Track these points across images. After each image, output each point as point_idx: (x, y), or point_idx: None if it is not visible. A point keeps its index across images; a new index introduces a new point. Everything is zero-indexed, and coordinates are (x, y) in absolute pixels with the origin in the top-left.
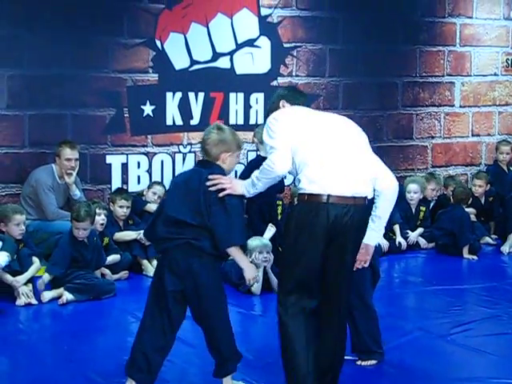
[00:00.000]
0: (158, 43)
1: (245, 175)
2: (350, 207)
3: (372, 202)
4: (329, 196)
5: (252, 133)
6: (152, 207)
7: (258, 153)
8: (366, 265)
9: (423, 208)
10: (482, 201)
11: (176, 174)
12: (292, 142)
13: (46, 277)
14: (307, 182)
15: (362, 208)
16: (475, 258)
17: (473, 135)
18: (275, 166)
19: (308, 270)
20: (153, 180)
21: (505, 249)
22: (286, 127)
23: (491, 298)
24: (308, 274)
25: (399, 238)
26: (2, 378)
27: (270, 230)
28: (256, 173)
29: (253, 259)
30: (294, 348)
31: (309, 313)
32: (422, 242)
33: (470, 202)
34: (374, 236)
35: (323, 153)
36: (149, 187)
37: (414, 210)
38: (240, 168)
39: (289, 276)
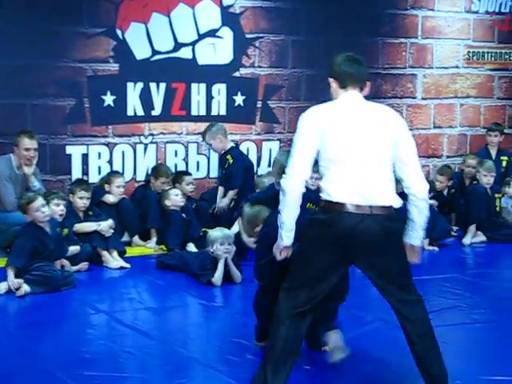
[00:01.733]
0: (119, 33)
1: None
2: (365, 217)
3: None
4: (343, 204)
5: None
6: (110, 198)
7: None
8: (419, 262)
9: None
10: (445, 192)
11: (137, 164)
12: (315, 146)
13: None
14: (326, 188)
15: (383, 217)
16: (436, 249)
17: (434, 127)
18: (287, 189)
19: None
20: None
21: (466, 240)
22: (310, 128)
23: (452, 288)
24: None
25: None
26: None
27: (238, 224)
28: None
29: (214, 250)
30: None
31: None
32: None
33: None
34: (413, 236)
35: (344, 158)
36: (106, 178)
37: None
38: None
39: (296, 277)
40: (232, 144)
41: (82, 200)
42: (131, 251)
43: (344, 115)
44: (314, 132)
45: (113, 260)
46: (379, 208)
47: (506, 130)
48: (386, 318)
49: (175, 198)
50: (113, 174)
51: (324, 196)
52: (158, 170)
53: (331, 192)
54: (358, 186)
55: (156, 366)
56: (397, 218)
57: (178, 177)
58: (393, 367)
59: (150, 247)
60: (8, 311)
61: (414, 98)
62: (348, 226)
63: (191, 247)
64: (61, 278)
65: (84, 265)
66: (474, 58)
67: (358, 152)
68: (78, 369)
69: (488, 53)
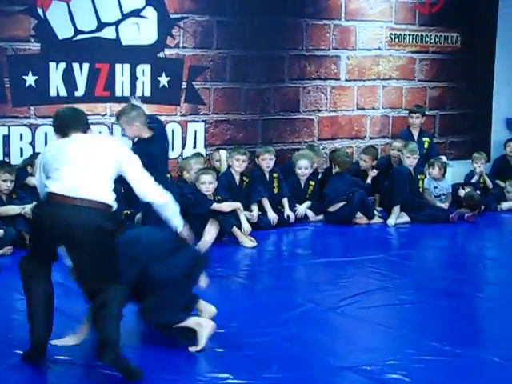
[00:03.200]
0: (40, 11)
1: None
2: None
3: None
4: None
5: None
6: (34, 181)
7: None
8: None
9: (312, 182)
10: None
11: None
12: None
13: None
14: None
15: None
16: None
17: (358, 109)
18: None
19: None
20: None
21: (391, 222)
22: None
23: (378, 269)
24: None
25: (288, 211)
26: None
27: None
28: None
29: None
30: None
31: None
32: (311, 214)
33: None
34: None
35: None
36: (29, 161)
37: (303, 185)
38: None
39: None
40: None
41: (5, 183)
42: None
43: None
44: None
45: None
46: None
47: (427, 112)
48: (315, 300)
49: None
50: (35, 155)
51: None
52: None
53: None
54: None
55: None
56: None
57: None
58: (326, 348)
59: None
60: None
61: (338, 79)
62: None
63: None
64: None
65: (8, 249)
66: (396, 40)
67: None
68: (4, 356)
69: (409, 35)
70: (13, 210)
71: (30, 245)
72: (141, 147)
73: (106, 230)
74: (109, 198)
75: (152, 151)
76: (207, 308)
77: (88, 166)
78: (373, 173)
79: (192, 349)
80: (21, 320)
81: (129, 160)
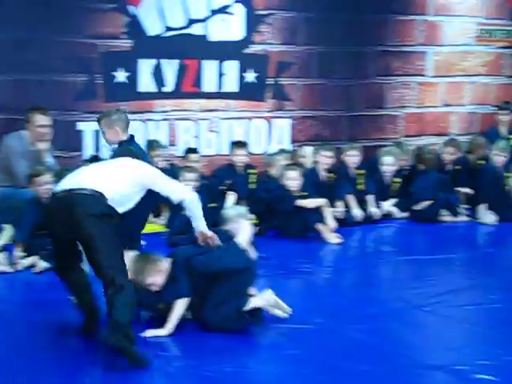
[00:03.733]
0: (131, 9)
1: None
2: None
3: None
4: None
5: (224, 101)
6: None
7: None
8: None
9: (397, 179)
10: (450, 168)
11: (149, 139)
12: None
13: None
14: None
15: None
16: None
17: (444, 105)
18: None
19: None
20: None
21: (479, 219)
22: None
23: (466, 267)
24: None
25: (372, 208)
26: None
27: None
28: None
29: (229, 229)
30: None
31: None
32: (395, 211)
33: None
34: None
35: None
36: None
37: (387, 181)
38: None
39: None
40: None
41: None
42: None
43: None
44: None
45: None
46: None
47: None
48: (400, 298)
49: (187, 175)
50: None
51: None
52: (148, 145)
53: None
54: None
55: None
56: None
57: (185, 154)
58: (413, 346)
59: (161, 224)
60: (25, 287)
61: (424, 75)
62: None
63: None
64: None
65: None
66: (485, 35)
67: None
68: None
69: (499, 30)
70: None
71: (51, 244)
72: (122, 147)
73: (94, 212)
74: (106, 191)
75: (133, 149)
76: (279, 304)
77: (100, 170)
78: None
79: (286, 309)
80: None
81: (151, 178)
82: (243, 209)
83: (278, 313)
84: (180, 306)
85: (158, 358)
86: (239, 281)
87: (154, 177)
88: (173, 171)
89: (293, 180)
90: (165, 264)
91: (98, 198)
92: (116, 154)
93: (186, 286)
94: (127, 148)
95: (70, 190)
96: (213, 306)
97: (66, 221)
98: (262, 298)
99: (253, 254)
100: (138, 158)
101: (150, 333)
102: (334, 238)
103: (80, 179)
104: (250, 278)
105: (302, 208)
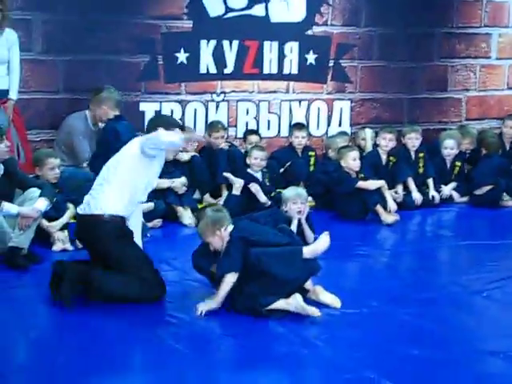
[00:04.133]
0: None
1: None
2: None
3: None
4: None
5: (285, 82)
6: (184, 156)
7: None
8: None
9: (458, 163)
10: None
11: (208, 122)
12: None
13: None
14: None
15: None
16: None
17: (508, 88)
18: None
19: None
20: None
21: None
22: None
23: None
24: None
25: (432, 192)
26: (45, 324)
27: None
28: None
29: (287, 209)
30: None
31: None
32: (456, 195)
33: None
34: None
35: None
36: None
37: (448, 165)
38: None
39: None
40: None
41: None
42: None
43: None
44: None
45: (187, 217)
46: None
47: None
48: (459, 282)
49: (257, 153)
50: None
51: None
52: (209, 126)
53: None
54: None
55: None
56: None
57: (245, 136)
58: (471, 332)
59: (220, 204)
60: None
61: (488, 57)
62: None
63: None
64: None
65: (158, 221)
66: None
67: None
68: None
69: None
70: (162, 183)
71: None
72: (108, 126)
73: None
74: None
75: (118, 129)
76: (328, 297)
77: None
78: None
79: (313, 312)
80: (171, 291)
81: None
82: (301, 190)
83: (330, 302)
84: (229, 280)
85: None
86: (281, 285)
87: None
88: (233, 152)
89: (353, 161)
90: (224, 233)
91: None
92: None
93: (238, 262)
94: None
95: (84, 216)
96: (242, 295)
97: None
98: (287, 302)
99: (312, 252)
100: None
101: (201, 307)
102: (390, 217)
103: (93, 198)
104: (293, 288)
105: (362, 190)
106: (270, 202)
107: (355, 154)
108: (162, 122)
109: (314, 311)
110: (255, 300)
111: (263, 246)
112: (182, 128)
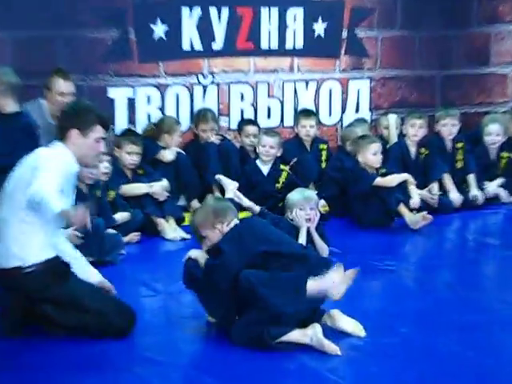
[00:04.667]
0: None
1: None
2: None
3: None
4: None
5: (287, 59)
6: (167, 155)
7: None
8: None
9: (505, 154)
10: None
11: (195, 110)
12: None
13: None
14: None
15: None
16: None
17: None
18: None
19: None
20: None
21: None
22: None
23: None
24: None
25: (474, 191)
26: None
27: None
28: None
29: (293, 217)
30: None
31: None
32: (504, 194)
33: None
34: None
35: None
36: (157, 125)
37: (493, 156)
38: None
39: None
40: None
41: (130, 156)
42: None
43: None
44: None
45: (170, 230)
46: None
47: None
48: (507, 301)
49: (267, 139)
50: (167, 121)
51: None
52: (196, 116)
53: None
54: None
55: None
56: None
57: (240, 126)
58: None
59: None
60: None
61: None
62: None
63: None
64: (109, 249)
65: (135, 235)
66: None
67: None
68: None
69: None
70: (139, 188)
71: None
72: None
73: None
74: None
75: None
76: (348, 323)
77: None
78: None
79: (333, 351)
80: (152, 322)
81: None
82: (311, 193)
83: (351, 330)
84: None
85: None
86: (281, 317)
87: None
88: (225, 147)
89: (372, 156)
90: (225, 228)
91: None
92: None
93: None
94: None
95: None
96: (243, 323)
97: None
98: (304, 334)
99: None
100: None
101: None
102: (418, 218)
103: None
104: (297, 321)
105: (382, 189)
106: (259, 209)
107: (376, 146)
108: (76, 119)
109: (333, 349)
110: (262, 329)
111: (273, 257)
112: (106, 125)
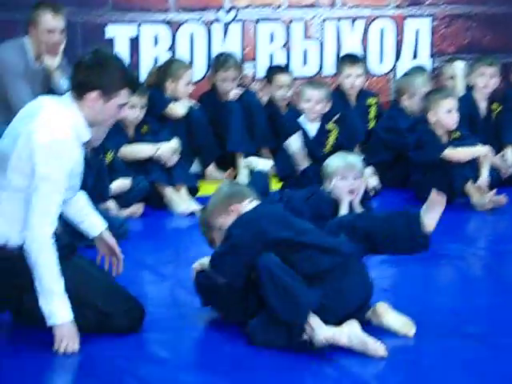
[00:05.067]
0: None
1: None
2: None
3: None
4: None
5: None
6: (178, 108)
7: None
8: None
9: None
10: None
11: (213, 52)
12: None
13: None
14: None
15: None
16: None
17: None
18: None
19: None
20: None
21: None
22: None
23: None
24: None
25: None
26: None
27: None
28: None
29: (332, 188)
30: None
31: None
32: None
33: None
34: None
35: None
36: (162, 69)
37: None
38: None
39: None
40: None
41: (133, 110)
42: (206, 188)
43: None
44: None
45: (179, 200)
46: None
47: None
48: None
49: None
50: (175, 64)
51: None
52: (215, 62)
53: None
54: None
55: None
56: None
57: (268, 75)
58: None
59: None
60: None
61: None
62: None
63: None
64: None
65: (137, 208)
66: None
67: None
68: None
69: None
70: (142, 150)
71: None
72: None
73: None
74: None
75: None
76: (396, 319)
77: None
78: None
79: (379, 351)
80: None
81: None
82: (355, 158)
83: (399, 328)
84: None
85: None
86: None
87: None
88: (248, 101)
89: (447, 113)
90: (240, 208)
91: None
92: None
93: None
94: None
95: None
96: (264, 320)
97: None
98: (340, 332)
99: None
100: None
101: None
102: (487, 199)
103: None
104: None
105: (449, 161)
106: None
107: (451, 102)
108: (101, 77)
109: (377, 348)
110: (286, 329)
111: (295, 247)
112: (134, 89)
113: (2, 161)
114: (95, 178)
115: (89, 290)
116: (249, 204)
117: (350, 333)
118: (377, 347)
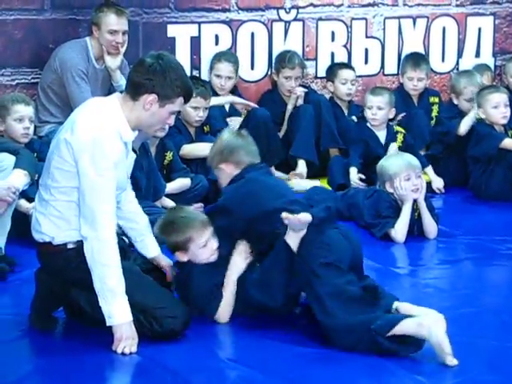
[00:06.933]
0: None
1: None
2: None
3: None
4: None
5: None
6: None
7: None
8: None
9: None
10: None
11: (274, 53)
12: None
13: None
14: None
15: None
16: None
17: None
18: None
19: None
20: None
21: None
22: None
23: None
24: None
25: None
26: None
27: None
28: None
29: (396, 188)
30: None
31: None
32: None
33: None
34: None
35: None
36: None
37: None
38: None
39: None
40: None
41: (196, 111)
42: None
43: None
44: None
45: None
46: None
47: None
48: None
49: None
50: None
51: None
52: (278, 60)
53: None
54: None
55: None
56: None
57: (332, 71)
58: None
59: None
60: None
61: None
62: None
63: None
64: None
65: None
66: None
67: None
68: None
69: None
70: (203, 149)
71: None
72: None
73: None
74: None
75: None
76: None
77: None
78: None
79: (449, 361)
80: None
81: None
82: (412, 157)
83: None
84: None
85: None
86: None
87: None
88: (316, 101)
89: (493, 109)
90: (232, 170)
91: None
92: None
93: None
94: None
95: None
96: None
97: None
98: (419, 323)
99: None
100: None
101: None
102: None
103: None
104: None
105: (510, 153)
106: None
107: (499, 97)
108: (160, 82)
109: (452, 360)
110: (361, 319)
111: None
112: (188, 99)
113: (48, 161)
114: (147, 177)
115: (144, 294)
116: (242, 169)
117: (432, 329)
118: (451, 358)
